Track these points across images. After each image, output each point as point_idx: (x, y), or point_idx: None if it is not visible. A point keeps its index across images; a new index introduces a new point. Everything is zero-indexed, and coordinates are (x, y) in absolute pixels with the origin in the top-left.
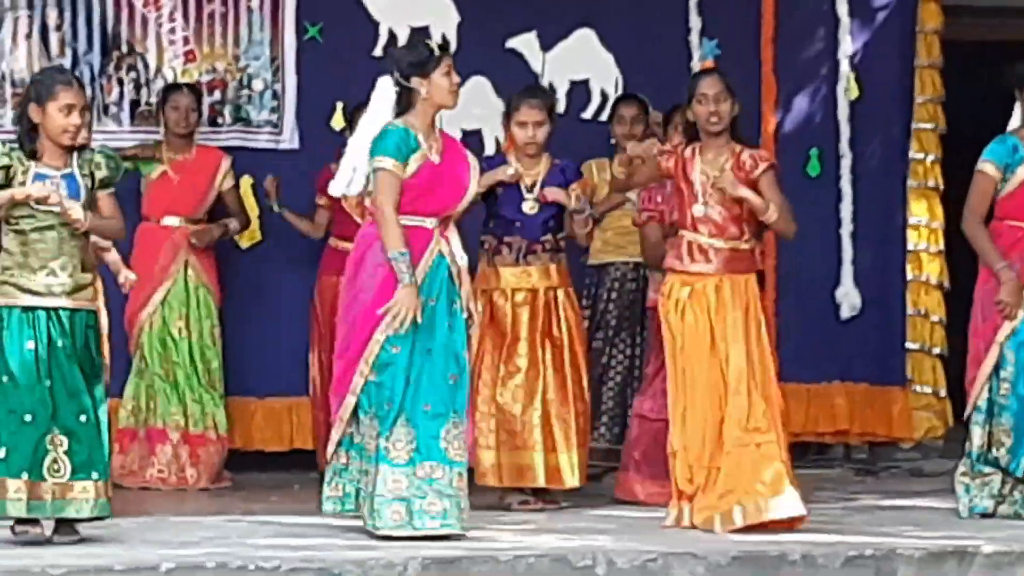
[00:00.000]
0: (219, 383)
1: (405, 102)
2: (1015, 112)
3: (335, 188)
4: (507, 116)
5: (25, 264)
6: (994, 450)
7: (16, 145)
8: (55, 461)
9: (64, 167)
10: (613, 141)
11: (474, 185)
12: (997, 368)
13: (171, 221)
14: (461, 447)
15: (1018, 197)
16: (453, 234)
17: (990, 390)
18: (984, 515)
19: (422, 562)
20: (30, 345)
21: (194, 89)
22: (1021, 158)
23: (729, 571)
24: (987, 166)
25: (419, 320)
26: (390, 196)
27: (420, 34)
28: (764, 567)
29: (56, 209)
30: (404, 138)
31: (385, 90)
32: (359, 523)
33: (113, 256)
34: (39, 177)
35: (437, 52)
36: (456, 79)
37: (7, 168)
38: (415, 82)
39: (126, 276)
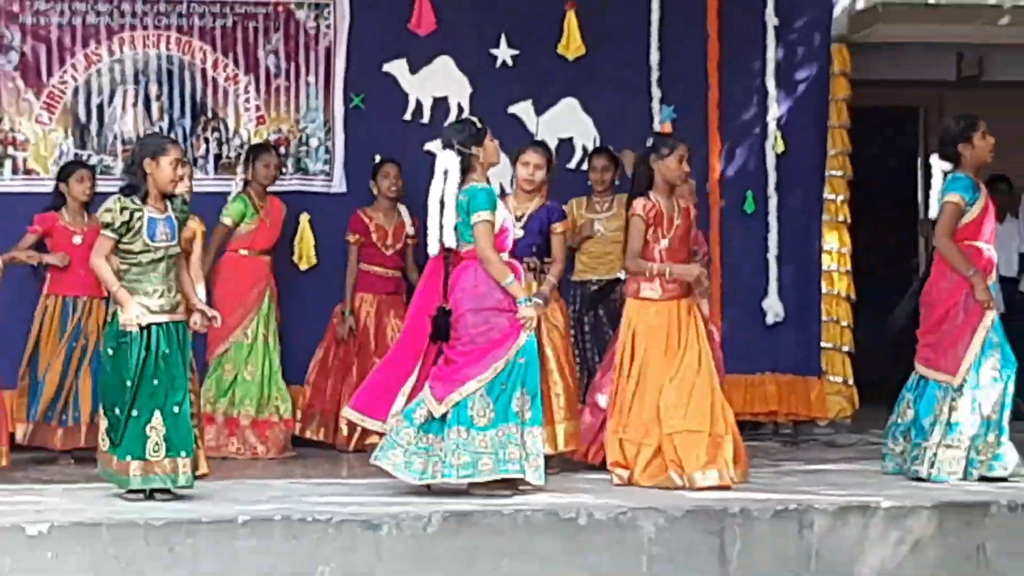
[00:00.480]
0: (280, 377)
1: (466, 166)
2: (937, 162)
3: (434, 247)
4: (514, 160)
5: (140, 289)
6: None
7: (126, 195)
8: (156, 444)
9: (165, 211)
10: (589, 183)
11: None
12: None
13: (263, 255)
14: None
15: (973, 225)
16: None
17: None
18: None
19: (443, 515)
20: (144, 354)
21: (278, 150)
22: (977, 196)
23: (683, 522)
24: (956, 197)
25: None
26: (492, 241)
27: (443, 104)
28: (710, 518)
29: (172, 249)
30: (493, 195)
31: (449, 160)
32: (395, 482)
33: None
34: (152, 221)
35: (482, 125)
36: (497, 143)
37: (130, 218)
38: (475, 150)
39: (214, 315)
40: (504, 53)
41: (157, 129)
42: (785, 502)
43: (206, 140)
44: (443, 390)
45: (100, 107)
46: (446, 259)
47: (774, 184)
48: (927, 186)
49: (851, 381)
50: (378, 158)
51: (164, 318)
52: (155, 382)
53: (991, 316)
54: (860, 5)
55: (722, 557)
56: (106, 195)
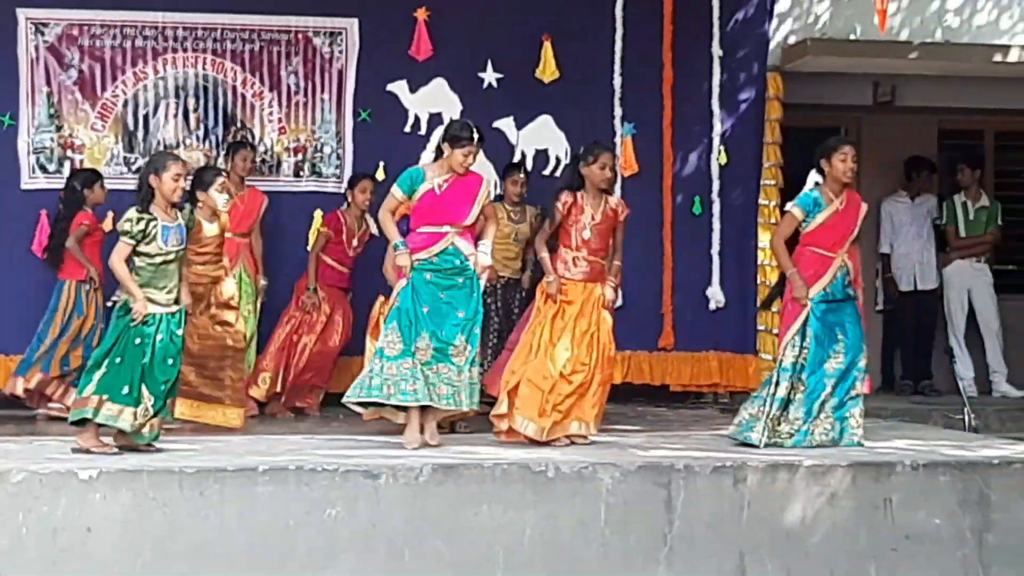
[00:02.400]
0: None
1: (437, 156)
2: (809, 176)
3: None
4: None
5: (152, 284)
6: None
7: (139, 211)
8: (145, 410)
9: (175, 220)
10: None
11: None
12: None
13: (237, 237)
14: None
15: (818, 233)
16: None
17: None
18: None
19: (432, 466)
20: (160, 337)
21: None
22: (820, 208)
23: (636, 475)
24: (795, 210)
25: None
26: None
27: (438, 119)
28: (659, 472)
29: (181, 252)
30: (407, 176)
31: (435, 143)
32: (397, 439)
33: None
34: (165, 229)
35: (469, 137)
36: (470, 161)
37: (146, 227)
38: (444, 147)
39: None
40: (490, 76)
41: (194, 137)
42: (722, 460)
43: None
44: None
45: (146, 117)
46: None
47: (718, 190)
48: None
49: None
50: (381, 164)
51: (166, 309)
52: (149, 358)
53: (805, 311)
54: (792, 40)
55: (668, 506)
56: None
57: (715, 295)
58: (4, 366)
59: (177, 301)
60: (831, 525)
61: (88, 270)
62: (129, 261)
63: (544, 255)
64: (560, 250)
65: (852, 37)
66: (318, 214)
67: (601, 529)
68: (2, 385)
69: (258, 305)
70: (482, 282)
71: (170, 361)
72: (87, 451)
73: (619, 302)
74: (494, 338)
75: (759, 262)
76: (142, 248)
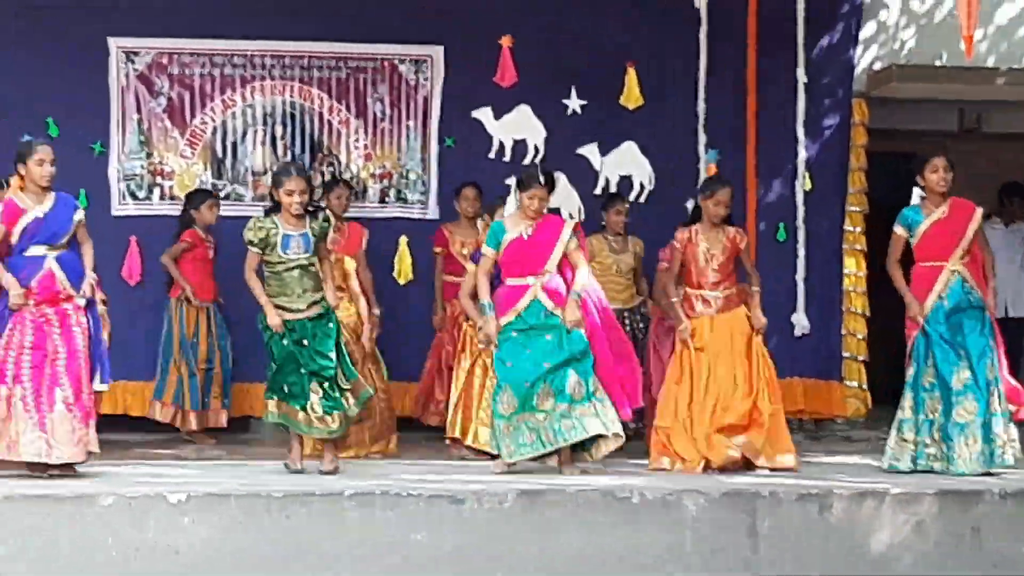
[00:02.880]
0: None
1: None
2: (914, 191)
3: None
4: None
5: (280, 291)
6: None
7: (265, 217)
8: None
9: (301, 228)
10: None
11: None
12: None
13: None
14: None
15: (924, 245)
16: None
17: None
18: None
19: (517, 492)
20: (305, 342)
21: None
22: (919, 220)
23: (720, 502)
24: (898, 228)
25: None
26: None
27: (522, 146)
28: (743, 500)
29: (302, 260)
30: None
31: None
32: (480, 462)
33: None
34: (287, 237)
35: (534, 181)
36: (535, 204)
37: (266, 235)
38: (519, 193)
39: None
40: (574, 103)
41: (289, 161)
42: (808, 487)
43: (321, 173)
44: None
45: (234, 144)
46: None
47: (802, 216)
48: None
49: (865, 386)
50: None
51: (303, 315)
52: (300, 362)
53: (918, 330)
54: (877, 66)
55: (753, 533)
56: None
57: (800, 321)
58: (122, 391)
59: (317, 303)
60: (918, 554)
61: (183, 289)
62: (260, 271)
63: (673, 300)
64: (685, 290)
65: (938, 63)
66: (403, 241)
67: (686, 556)
68: (140, 411)
69: (373, 335)
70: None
71: (322, 360)
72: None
73: (763, 323)
74: None
75: (844, 288)
76: (266, 256)
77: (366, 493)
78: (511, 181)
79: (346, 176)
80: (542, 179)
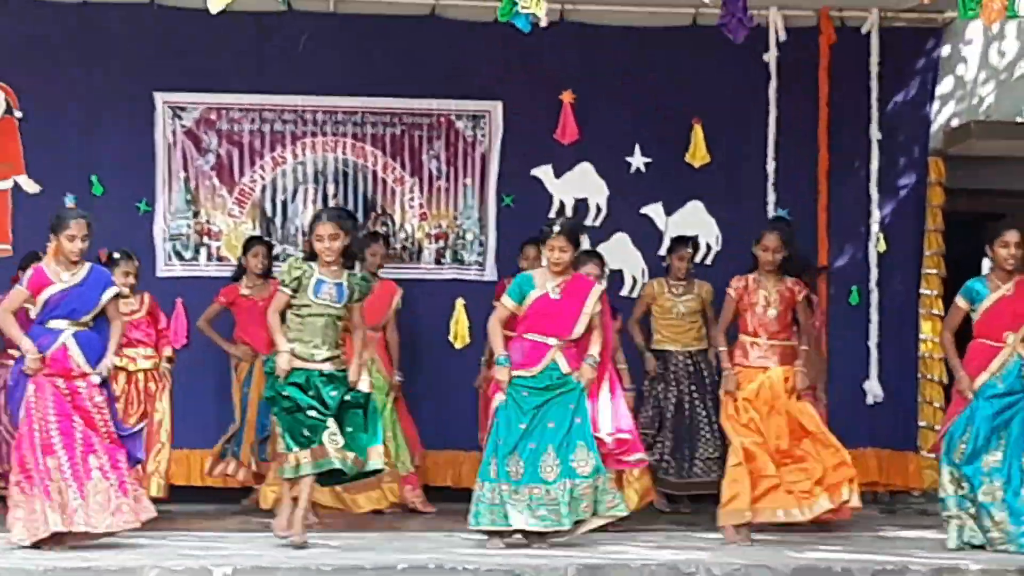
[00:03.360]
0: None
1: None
2: (985, 261)
3: None
4: (670, 251)
5: (300, 337)
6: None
7: (304, 260)
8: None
9: (336, 277)
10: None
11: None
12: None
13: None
14: None
15: (984, 322)
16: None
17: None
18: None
19: (577, 567)
20: (310, 393)
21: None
22: (984, 295)
23: None
24: (959, 300)
25: None
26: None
27: (584, 204)
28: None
29: (331, 309)
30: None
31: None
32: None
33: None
34: (320, 282)
35: (549, 230)
36: (550, 255)
37: (300, 276)
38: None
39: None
40: (638, 160)
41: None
42: (883, 563)
43: (375, 233)
44: None
45: (284, 203)
46: None
47: (876, 279)
48: None
49: None
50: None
51: (311, 366)
52: (310, 414)
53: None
54: (955, 123)
55: None
56: None
57: (872, 389)
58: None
59: (332, 359)
60: None
61: (224, 346)
62: (285, 313)
63: (722, 349)
64: (739, 337)
65: (1019, 119)
66: (460, 303)
67: None
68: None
69: (390, 401)
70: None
71: (313, 413)
72: None
73: (804, 385)
74: (702, 410)
75: (920, 355)
76: (295, 299)
77: (419, 567)
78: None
79: (401, 236)
80: (557, 228)
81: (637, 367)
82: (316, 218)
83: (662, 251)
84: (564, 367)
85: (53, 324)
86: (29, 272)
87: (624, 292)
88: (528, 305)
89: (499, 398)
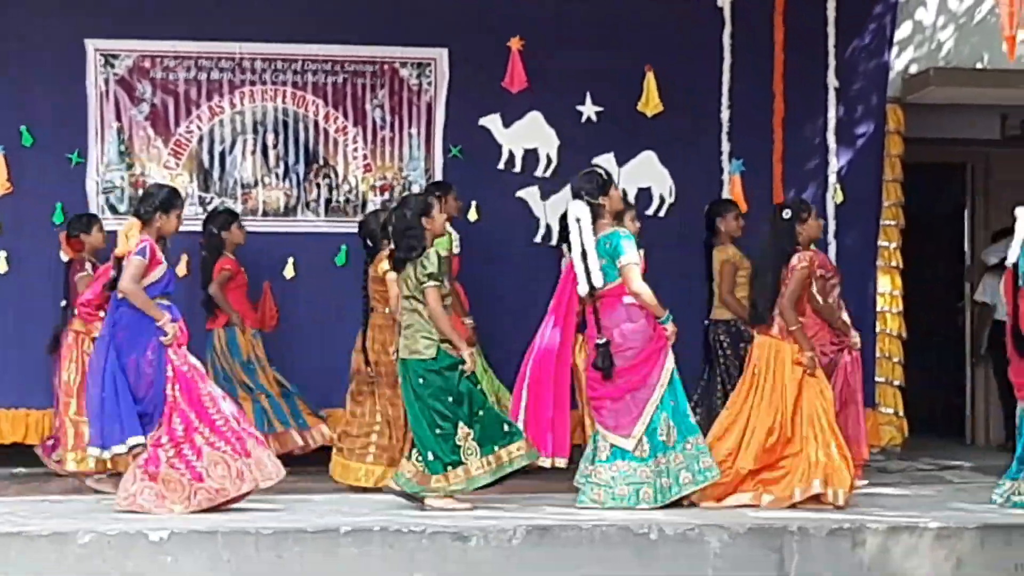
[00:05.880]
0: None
1: (595, 214)
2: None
3: (584, 289)
4: None
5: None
6: None
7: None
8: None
9: None
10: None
11: None
12: None
13: None
14: None
15: None
16: None
17: None
18: None
19: (526, 528)
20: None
21: None
22: None
23: (745, 537)
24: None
25: None
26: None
27: (533, 155)
28: (770, 535)
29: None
30: (631, 239)
31: (580, 209)
32: (489, 498)
33: None
34: None
35: (607, 177)
36: (620, 191)
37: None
38: (602, 199)
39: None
40: (589, 110)
41: (274, 175)
42: (840, 521)
43: (317, 185)
44: (626, 424)
45: (222, 154)
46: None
47: (833, 231)
48: (973, 236)
49: (901, 413)
50: (473, 204)
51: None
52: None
53: None
54: (913, 69)
55: (781, 571)
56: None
57: None
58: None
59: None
60: None
61: (230, 316)
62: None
63: (799, 325)
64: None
65: (979, 66)
66: None
67: None
68: None
69: None
70: None
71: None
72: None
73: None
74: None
75: (878, 309)
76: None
77: (364, 530)
78: (523, 193)
79: (344, 188)
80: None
81: None
82: (430, 203)
83: None
84: None
85: (160, 300)
86: (143, 246)
87: None
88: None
89: (667, 366)
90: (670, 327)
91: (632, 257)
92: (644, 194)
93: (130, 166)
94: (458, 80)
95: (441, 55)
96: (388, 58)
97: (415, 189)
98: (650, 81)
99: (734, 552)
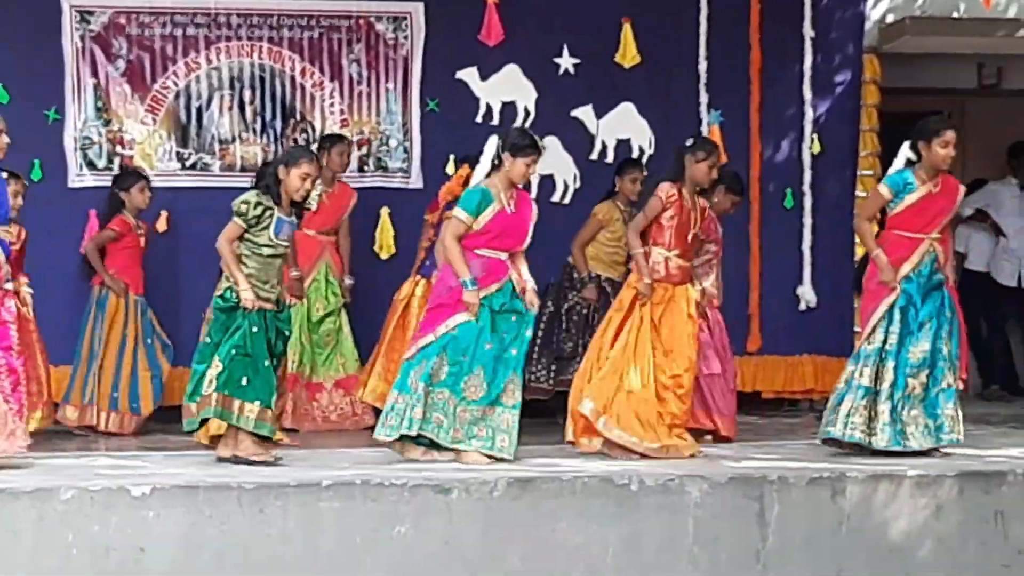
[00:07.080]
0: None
1: (495, 166)
2: (901, 151)
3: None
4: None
5: (257, 277)
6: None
7: (263, 192)
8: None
9: (289, 215)
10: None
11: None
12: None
13: (321, 235)
14: None
15: (905, 216)
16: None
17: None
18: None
19: (507, 480)
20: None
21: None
22: (911, 189)
23: (726, 487)
24: (883, 188)
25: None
26: (454, 234)
27: (512, 108)
28: (750, 485)
29: (283, 249)
30: (477, 198)
31: (488, 151)
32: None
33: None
34: (280, 221)
35: (532, 146)
36: (533, 171)
37: (261, 213)
38: (504, 158)
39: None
40: (567, 62)
41: (251, 130)
42: (820, 470)
43: (295, 140)
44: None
45: (199, 110)
46: None
47: (810, 181)
48: None
49: None
50: (451, 157)
51: (268, 306)
52: (254, 352)
53: (894, 295)
54: (890, 19)
55: (761, 520)
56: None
57: (806, 294)
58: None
59: (278, 302)
60: (937, 540)
61: (104, 278)
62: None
63: (639, 252)
64: (651, 249)
65: (955, 15)
66: (385, 211)
67: (689, 546)
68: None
69: (340, 306)
70: (533, 311)
71: (268, 362)
72: (247, 461)
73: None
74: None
75: (856, 259)
76: (251, 236)
77: (345, 483)
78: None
79: None
80: (539, 143)
81: None
82: (306, 155)
83: (594, 155)
84: (517, 284)
85: None
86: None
87: (555, 198)
88: (487, 222)
89: (462, 318)
90: (468, 295)
91: (457, 212)
92: (624, 145)
93: (107, 122)
94: (434, 34)
95: (417, 9)
96: (364, 12)
97: (392, 143)
98: (627, 33)
99: (714, 502)
